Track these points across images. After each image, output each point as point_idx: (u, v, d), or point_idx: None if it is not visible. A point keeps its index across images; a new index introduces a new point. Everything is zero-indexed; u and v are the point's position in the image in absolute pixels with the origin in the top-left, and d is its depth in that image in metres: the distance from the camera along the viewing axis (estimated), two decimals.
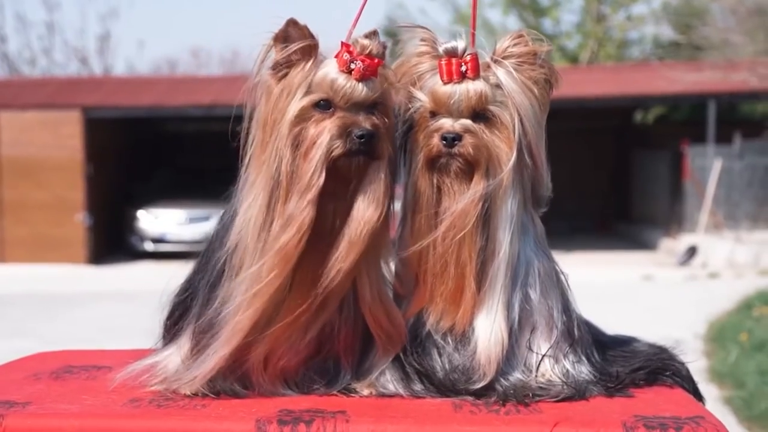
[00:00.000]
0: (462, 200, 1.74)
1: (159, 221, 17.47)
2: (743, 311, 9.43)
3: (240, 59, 34.58)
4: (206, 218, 17.47)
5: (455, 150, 1.74)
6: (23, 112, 17.06)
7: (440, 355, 1.77)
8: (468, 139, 1.74)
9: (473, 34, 1.87)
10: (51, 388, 1.84)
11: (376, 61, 1.68)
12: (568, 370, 1.77)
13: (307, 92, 1.68)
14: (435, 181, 1.76)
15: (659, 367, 1.89)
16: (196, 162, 19.92)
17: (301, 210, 1.63)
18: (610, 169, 20.75)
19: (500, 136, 1.77)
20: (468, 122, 1.76)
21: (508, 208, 1.77)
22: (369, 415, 1.60)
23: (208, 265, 1.77)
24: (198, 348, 1.73)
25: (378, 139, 1.68)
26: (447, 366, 1.76)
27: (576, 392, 1.72)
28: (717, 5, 16.24)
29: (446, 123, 1.76)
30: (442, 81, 1.76)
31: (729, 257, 14.47)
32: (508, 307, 1.76)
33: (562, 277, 1.88)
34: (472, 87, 1.76)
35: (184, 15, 53.29)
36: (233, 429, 1.57)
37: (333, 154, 1.65)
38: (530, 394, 1.70)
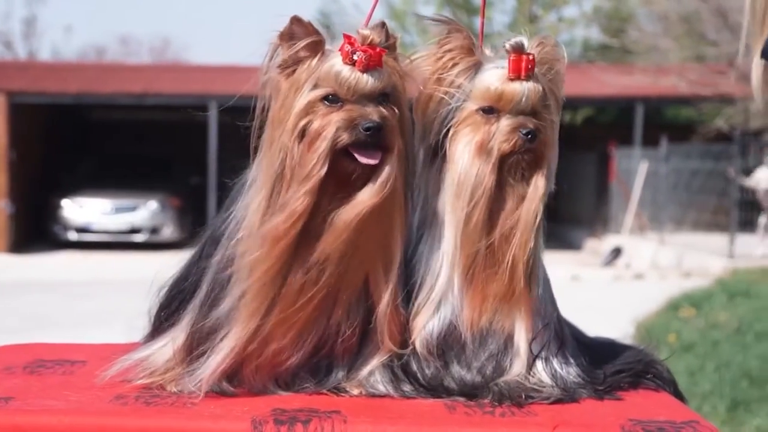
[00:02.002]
0: (530, 198, 1.75)
1: (84, 210, 17.19)
2: (670, 312, 9.59)
3: (170, 48, 34.26)
4: (132, 208, 17.26)
5: (533, 145, 1.74)
6: None
7: (463, 353, 1.76)
8: (540, 136, 1.75)
9: (481, 34, 1.87)
10: (29, 383, 1.78)
11: (378, 50, 1.66)
12: (556, 371, 1.77)
13: (314, 87, 1.65)
14: (499, 178, 1.74)
15: (641, 370, 1.90)
16: (124, 151, 19.66)
17: (296, 198, 1.61)
18: None
19: (551, 136, 1.79)
20: (535, 120, 1.76)
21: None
22: (365, 415, 1.58)
23: (211, 258, 1.73)
24: (203, 349, 1.69)
25: (387, 131, 1.65)
26: (474, 362, 1.75)
27: (566, 394, 1.73)
28: (645, 11, 16.50)
29: (519, 120, 1.75)
30: (509, 77, 1.75)
31: (653, 259, 14.72)
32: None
33: (548, 275, 1.89)
34: (536, 85, 1.76)
35: (113, 1, 52.60)
36: (229, 428, 1.54)
37: (338, 145, 1.63)
38: (523, 395, 1.70)
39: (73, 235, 17.16)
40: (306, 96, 1.65)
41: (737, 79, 12.54)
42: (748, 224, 15.37)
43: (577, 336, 1.94)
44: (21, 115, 17.06)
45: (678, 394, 1.91)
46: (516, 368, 1.75)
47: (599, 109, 21.43)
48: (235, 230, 1.70)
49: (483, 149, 1.74)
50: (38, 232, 17.52)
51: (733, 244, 14.20)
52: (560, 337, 1.81)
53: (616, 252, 15.60)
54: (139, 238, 17.14)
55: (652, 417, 1.60)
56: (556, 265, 14.24)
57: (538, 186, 1.76)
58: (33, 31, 30.49)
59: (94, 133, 20.83)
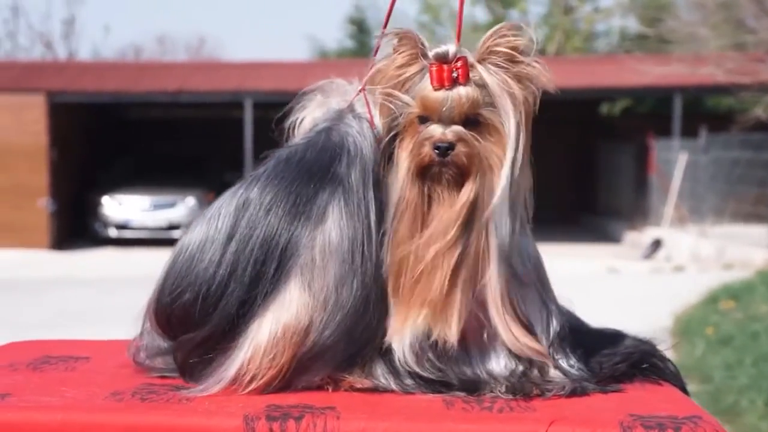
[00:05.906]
0: (452, 207, 1.67)
1: (123, 207, 17.37)
2: (709, 305, 9.49)
3: (206, 46, 34.46)
4: (171, 205, 17.38)
5: (448, 159, 1.67)
6: None
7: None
8: (460, 148, 1.67)
9: (459, 33, 1.79)
10: (30, 379, 1.78)
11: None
12: (560, 365, 1.73)
13: None
14: (425, 189, 1.69)
15: (638, 360, 1.85)
16: (161, 148, 19.82)
17: None
18: (575, 161, 20.83)
19: (492, 140, 1.69)
20: (460, 130, 1.67)
21: (500, 210, 1.69)
22: (360, 411, 1.57)
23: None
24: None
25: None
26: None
27: (576, 387, 1.69)
28: None
29: (437, 131, 1.68)
30: (433, 87, 1.68)
31: (693, 251, 14.57)
32: (507, 302, 1.72)
33: (545, 267, 1.85)
34: (464, 93, 1.67)
35: (150, 1, 53.01)
36: (222, 425, 1.52)
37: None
38: (533, 389, 1.67)
39: (113, 232, 17.33)
40: None
41: None
42: None
43: (578, 326, 1.89)
44: (61, 114, 17.24)
45: (683, 388, 1.86)
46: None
47: (637, 100, 21.24)
48: None
49: (410, 160, 1.70)
50: (79, 229, 17.71)
51: None
52: (563, 329, 1.77)
53: (656, 244, 15.46)
54: (177, 234, 17.25)
55: (653, 412, 1.57)
56: (595, 258, 14.29)
57: (465, 193, 1.67)
58: (72, 31, 30.75)
59: (131, 131, 21.00)
